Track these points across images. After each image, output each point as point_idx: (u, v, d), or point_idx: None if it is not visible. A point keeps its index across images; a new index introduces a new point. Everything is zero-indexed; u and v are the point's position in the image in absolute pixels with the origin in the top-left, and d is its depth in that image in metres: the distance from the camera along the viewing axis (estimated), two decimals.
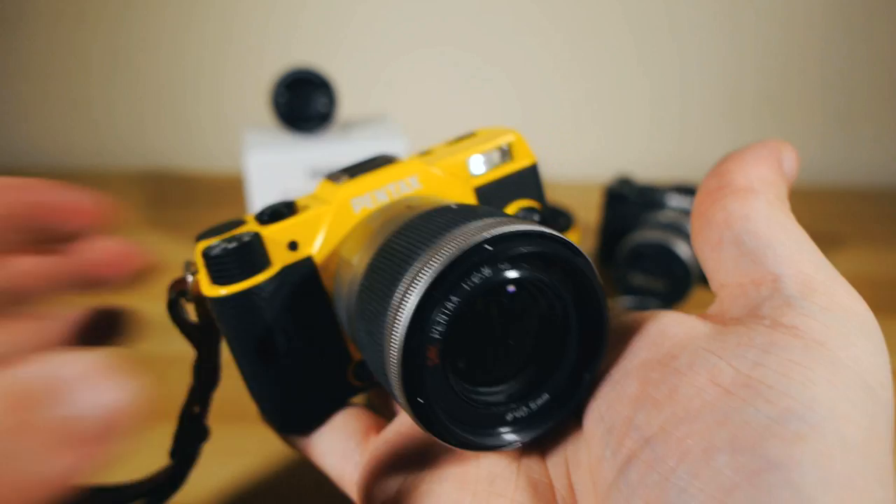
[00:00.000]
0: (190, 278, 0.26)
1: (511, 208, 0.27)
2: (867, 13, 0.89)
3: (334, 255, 0.25)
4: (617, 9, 0.89)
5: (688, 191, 0.65)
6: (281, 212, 0.25)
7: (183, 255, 0.28)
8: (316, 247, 0.25)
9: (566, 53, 0.92)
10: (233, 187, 0.76)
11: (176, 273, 0.27)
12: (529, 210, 0.27)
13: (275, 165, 0.58)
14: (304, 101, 0.61)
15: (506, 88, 0.94)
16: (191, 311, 0.27)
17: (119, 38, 0.89)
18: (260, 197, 0.58)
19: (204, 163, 0.95)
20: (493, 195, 0.27)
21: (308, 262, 0.25)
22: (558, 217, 0.59)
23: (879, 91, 0.93)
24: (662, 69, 0.92)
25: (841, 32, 0.90)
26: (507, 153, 0.27)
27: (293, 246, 0.25)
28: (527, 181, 0.27)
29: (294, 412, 0.27)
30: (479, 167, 0.26)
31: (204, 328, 0.27)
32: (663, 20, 0.89)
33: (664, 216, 0.63)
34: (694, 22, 0.89)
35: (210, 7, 0.88)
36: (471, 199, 0.26)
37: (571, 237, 0.58)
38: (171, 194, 0.86)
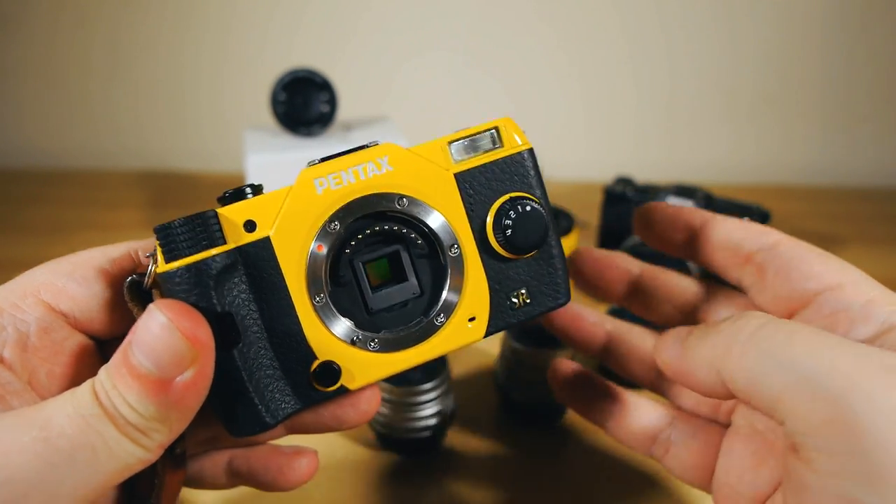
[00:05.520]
0: (151, 267, 0.24)
1: (499, 202, 0.24)
2: (866, 13, 0.88)
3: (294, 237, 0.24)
4: (613, 13, 0.89)
5: (688, 192, 0.64)
6: (244, 193, 0.24)
7: None
8: (274, 228, 0.24)
9: (563, 57, 0.91)
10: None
11: None
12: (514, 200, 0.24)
13: (275, 166, 0.58)
14: (304, 102, 0.61)
15: (504, 91, 0.94)
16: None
17: (119, 39, 0.89)
18: None
19: (204, 163, 0.95)
20: (476, 182, 0.25)
21: (265, 242, 0.24)
22: (558, 218, 0.59)
23: (879, 91, 0.93)
24: (660, 71, 0.92)
25: (840, 32, 0.90)
26: (496, 139, 0.25)
27: (250, 226, 0.24)
28: (518, 169, 0.25)
29: (249, 410, 0.24)
30: (461, 153, 0.24)
31: None
32: (660, 22, 0.89)
33: None
34: (691, 23, 0.89)
35: (210, 8, 0.88)
36: (450, 186, 0.24)
37: (571, 238, 0.57)
38: (171, 195, 0.86)
